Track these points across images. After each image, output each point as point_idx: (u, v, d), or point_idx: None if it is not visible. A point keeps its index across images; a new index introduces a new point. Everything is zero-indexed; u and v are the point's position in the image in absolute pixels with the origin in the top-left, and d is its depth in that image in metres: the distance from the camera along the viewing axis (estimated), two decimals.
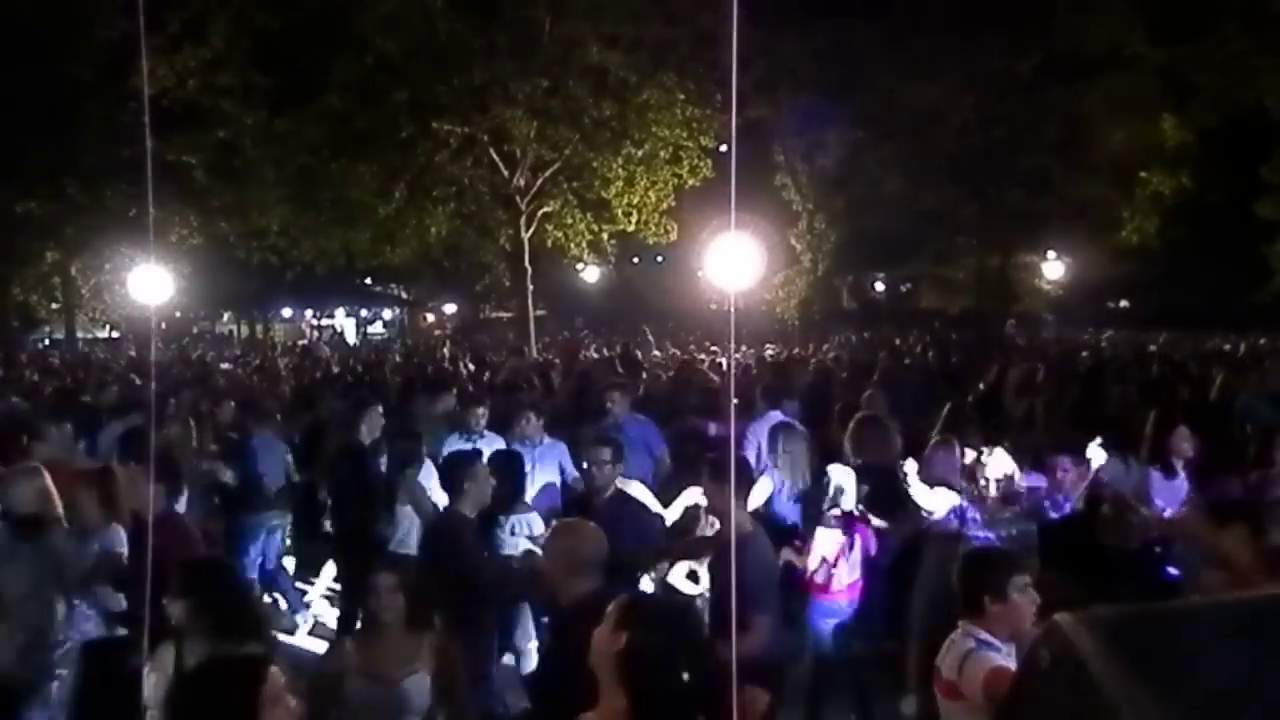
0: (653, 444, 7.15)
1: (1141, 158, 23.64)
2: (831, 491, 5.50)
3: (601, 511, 4.94)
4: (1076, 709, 1.33)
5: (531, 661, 5.51)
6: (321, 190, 20.01)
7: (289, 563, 8.02)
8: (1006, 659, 3.32)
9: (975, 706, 3.23)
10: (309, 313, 41.25)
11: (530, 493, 6.07)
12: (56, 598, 4.61)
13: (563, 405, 9.07)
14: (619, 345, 18.12)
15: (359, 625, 4.39)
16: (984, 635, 3.39)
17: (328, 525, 7.43)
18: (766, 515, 6.00)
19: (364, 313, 43.44)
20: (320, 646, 6.80)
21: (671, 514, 5.81)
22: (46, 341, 30.13)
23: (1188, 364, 12.95)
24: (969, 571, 3.62)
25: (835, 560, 5.37)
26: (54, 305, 23.72)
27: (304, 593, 7.91)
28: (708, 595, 4.65)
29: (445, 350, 19.55)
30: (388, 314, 44.44)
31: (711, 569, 4.63)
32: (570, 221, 20.85)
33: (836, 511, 5.46)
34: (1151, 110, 22.89)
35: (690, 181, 20.19)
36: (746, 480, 5.27)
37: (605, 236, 21.37)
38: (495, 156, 19.52)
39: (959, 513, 5.47)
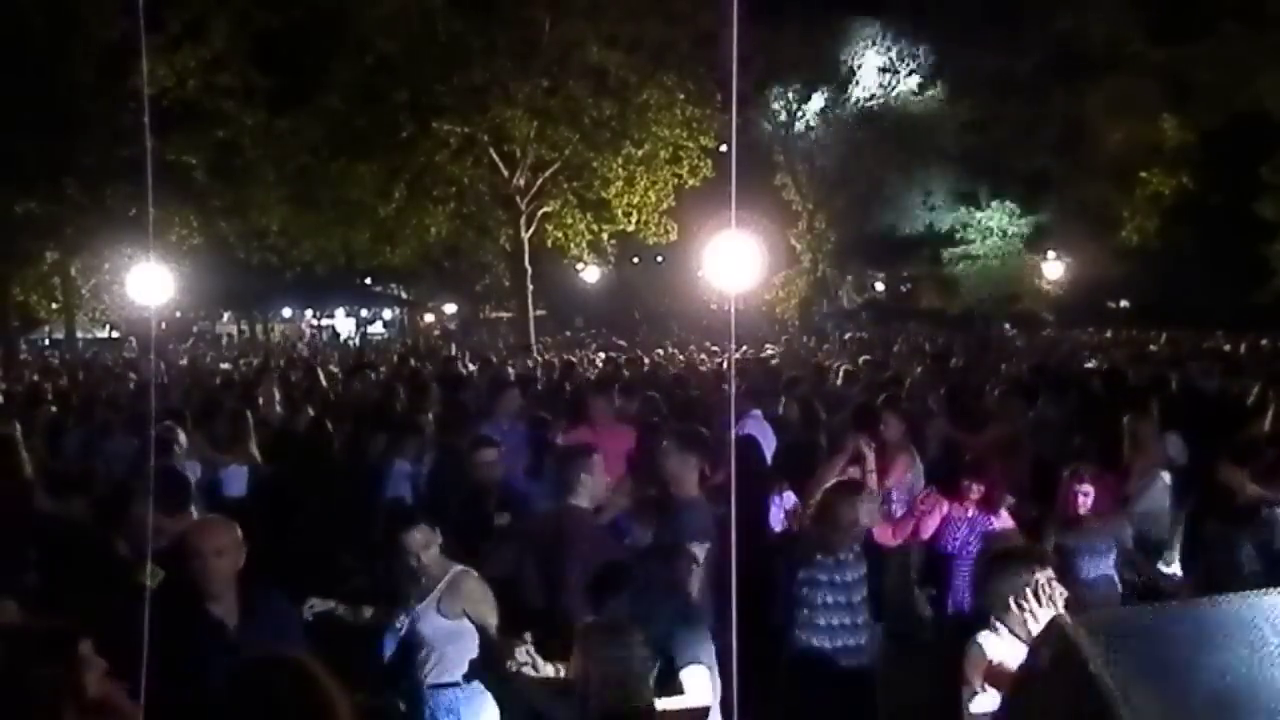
0: None
1: (1141, 158, 23.68)
2: None
3: None
4: (1076, 709, 1.33)
5: None
6: (321, 190, 19.98)
7: None
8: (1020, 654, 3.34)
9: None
10: (309, 313, 41.24)
11: None
12: None
13: None
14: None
15: None
16: (1002, 631, 3.43)
17: None
18: None
19: (364, 313, 43.40)
20: None
21: None
22: (47, 342, 30.11)
23: (1189, 364, 12.90)
24: (990, 568, 3.64)
25: None
26: (54, 305, 23.69)
27: None
28: None
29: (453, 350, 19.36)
30: (388, 314, 44.42)
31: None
32: (570, 221, 20.84)
33: None
34: (1151, 110, 22.93)
35: (690, 181, 20.17)
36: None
37: (605, 236, 21.36)
38: (495, 156, 19.51)
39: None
